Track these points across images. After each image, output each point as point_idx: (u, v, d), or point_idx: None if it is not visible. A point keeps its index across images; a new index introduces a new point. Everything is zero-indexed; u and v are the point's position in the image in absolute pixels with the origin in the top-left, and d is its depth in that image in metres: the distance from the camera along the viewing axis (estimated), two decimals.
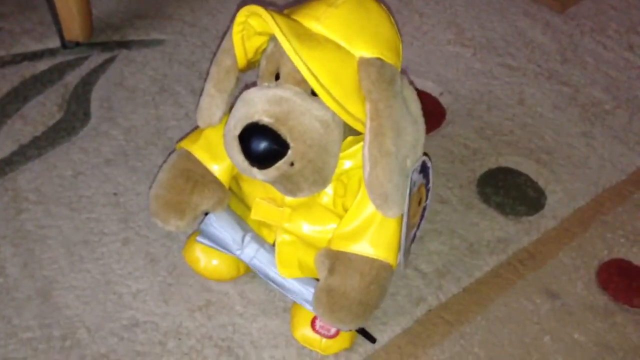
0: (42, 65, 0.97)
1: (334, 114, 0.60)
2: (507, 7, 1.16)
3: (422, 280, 0.77)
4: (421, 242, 0.80)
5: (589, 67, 1.06)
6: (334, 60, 0.59)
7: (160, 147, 0.88)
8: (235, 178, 0.71)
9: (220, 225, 0.69)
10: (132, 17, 1.06)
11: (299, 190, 0.62)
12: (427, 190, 0.71)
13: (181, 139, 0.72)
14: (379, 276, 0.64)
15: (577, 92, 1.02)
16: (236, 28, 0.62)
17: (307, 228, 0.68)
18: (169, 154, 0.71)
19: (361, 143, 0.62)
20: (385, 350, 0.71)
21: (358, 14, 0.62)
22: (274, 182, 0.62)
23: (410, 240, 0.70)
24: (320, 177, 0.61)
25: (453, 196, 0.86)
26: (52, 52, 0.99)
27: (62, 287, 0.74)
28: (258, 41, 0.64)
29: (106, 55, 1.00)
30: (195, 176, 0.68)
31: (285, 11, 0.64)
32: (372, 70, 0.60)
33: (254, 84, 0.65)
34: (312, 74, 0.57)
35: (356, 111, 0.60)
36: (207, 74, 0.67)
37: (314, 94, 0.60)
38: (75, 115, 0.91)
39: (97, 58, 0.99)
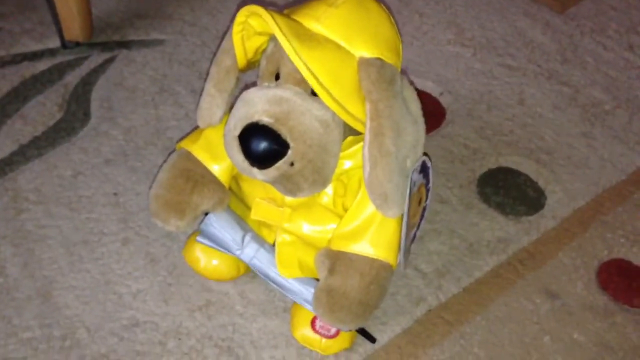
0: (42, 65, 0.97)
1: (334, 114, 0.60)
2: (507, 7, 1.16)
3: (422, 280, 0.77)
4: (421, 242, 0.80)
5: (589, 68, 1.06)
6: (334, 60, 0.59)
7: (160, 147, 0.88)
8: (235, 178, 0.71)
9: (220, 225, 0.69)
10: (132, 17, 1.06)
11: (299, 190, 0.62)
12: (427, 190, 0.71)
13: (181, 139, 0.72)
14: (379, 276, 0.64)
15: (577, 92, 1.02)
16: (236, 28, 0.62)
17: (307, 228, 0.68)
18: (169, 154, 0.71)
19: (361, 143, 0.62)
20: (385, 350, 0.71)
21: (358, 14, 0.62)
22: (274, 182, 0.62)
23: (410, 240, 0.70)
24: (320, 177, 0.61)
25: (453, 196, 0.86)
26: (52, 52, 0.99)
27: (62, 287, 0.74)
28: (258, 41, 0.64)
29: (106, 55, 1.00)
30: (195, 176, 0.68)
31: (285, 11, 0.64)
32: (372, 70, 0.60)
33: (254, 84, 0.65)
34: (312, 74, 0.57)
35: (356, 111, 0.60)
36: (207, 74, 0.67)
37: (314, 94, 0.60)
38: (75, 115, 0.91)
39: (97, 58, 0.99)
